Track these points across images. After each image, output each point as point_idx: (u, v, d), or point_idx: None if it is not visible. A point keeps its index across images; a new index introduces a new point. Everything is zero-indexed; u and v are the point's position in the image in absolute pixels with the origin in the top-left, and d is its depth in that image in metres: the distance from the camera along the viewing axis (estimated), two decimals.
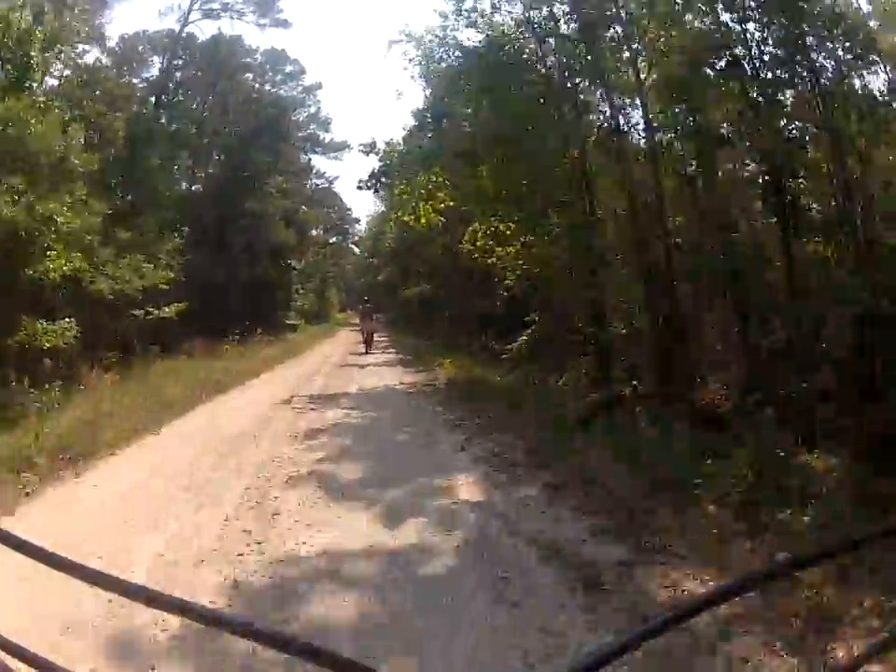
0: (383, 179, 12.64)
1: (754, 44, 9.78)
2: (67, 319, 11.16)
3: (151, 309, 18.48)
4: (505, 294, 14.42)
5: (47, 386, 8.61)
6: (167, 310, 18.68)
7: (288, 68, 35.28)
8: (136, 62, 25.22)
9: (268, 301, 29.29)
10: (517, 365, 13.29)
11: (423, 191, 12.55)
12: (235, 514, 4.72)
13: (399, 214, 13.72)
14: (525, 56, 12.75)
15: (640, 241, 11.20)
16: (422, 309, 29.80)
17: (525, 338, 13.26)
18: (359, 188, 15.47)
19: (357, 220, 63.30)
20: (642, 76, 11.50)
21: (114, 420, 7.20)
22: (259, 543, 4.16)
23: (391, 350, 21.39)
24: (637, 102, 11.75)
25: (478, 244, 13.03)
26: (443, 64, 13.01)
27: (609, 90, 11.90)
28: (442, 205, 12.85)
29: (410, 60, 12.53)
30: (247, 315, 28.70)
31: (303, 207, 31.96)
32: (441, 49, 12.49)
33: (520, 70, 12.61)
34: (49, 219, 10.49)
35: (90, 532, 4.22)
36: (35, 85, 12.77)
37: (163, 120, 27.14)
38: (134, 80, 24.31)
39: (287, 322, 31.32)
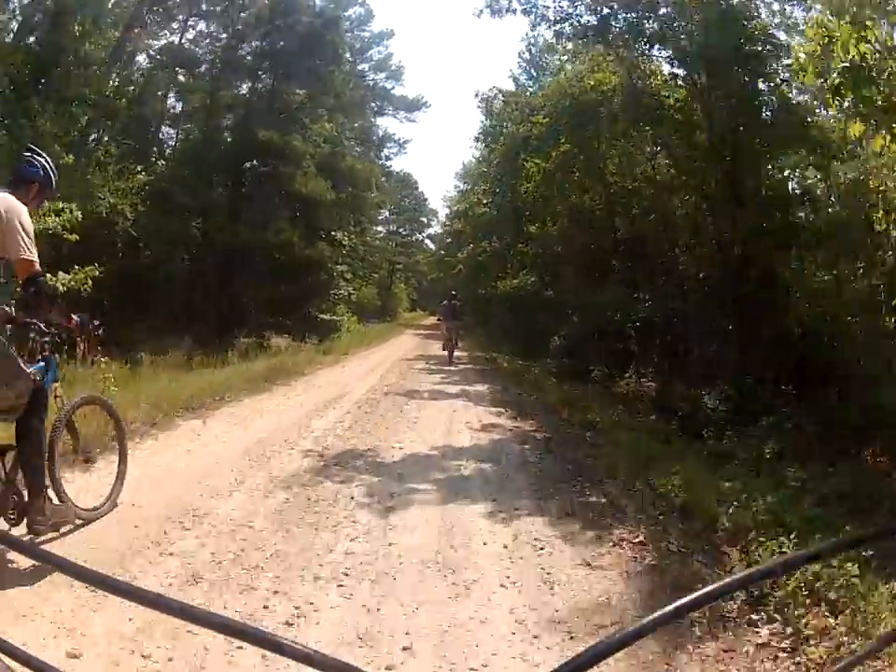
0: None
1: None
2: None
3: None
4: None
5: None
6: (63, 278, 9.25)
7: (353, 10, 27.35)
8: None
9: (297, 286, 19.73)
10: None
11: None
12: None
13: None
14: None
15: None
16: (518, 313, 19.60)
17: None
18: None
19: (435, 213, 53.72)
20: None
21: None
22: None
23: (478, 383, 11.00)
24: None
25: None
26: None
27: None
28: None
29: None
30: (260, 303, 19.47)
31: (354, 153, 21.93)
32: None
33: None
34: None
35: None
36: None
37: None
38: None
39: (323, 317, 21.59)
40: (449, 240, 34.60)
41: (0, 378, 2.76)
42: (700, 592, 0.51)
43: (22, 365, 2.86)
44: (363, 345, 19.47)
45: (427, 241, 54.81)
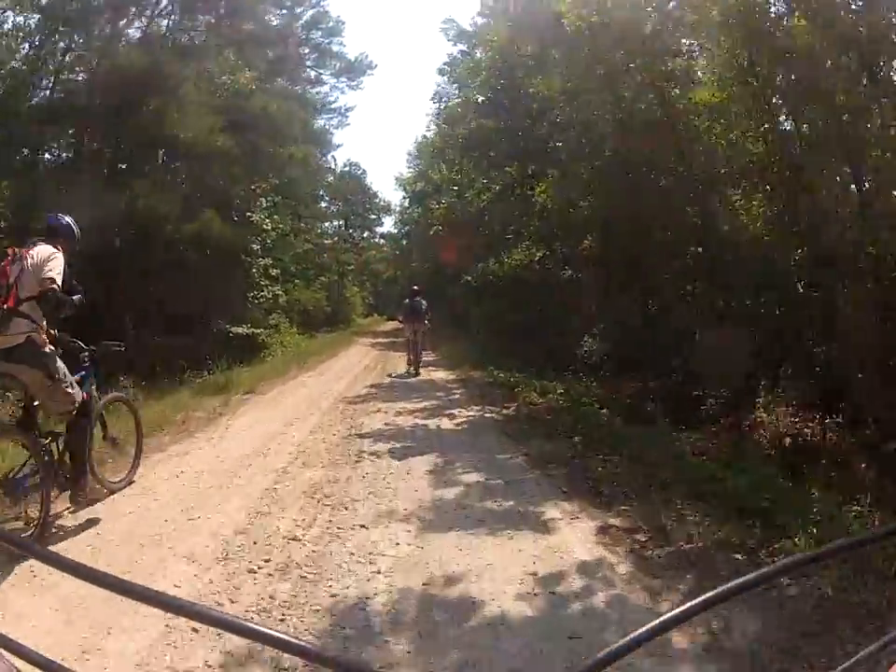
0: None
1: None
2: None
3: None
4: None
5: None
6: None
7: None
8: None
9: (181, 284, 12.95)
10: None
11: None
12: None
13: None
14: None
15: None
16: (521, 306, 13.40)
17: None
18: None
19: (387, 207, 46.75)
20: None
21: None
22: None
23: (545, 493, 4.27)
24: None
25: None
26: None
27: None
28: None
29: None
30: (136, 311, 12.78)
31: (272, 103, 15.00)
32: None
33: None
34: None
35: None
36: None
37: None
38: None
39: (236, 331, 14.89)
40: (406, 228, 28.20)
41: (55, 398, 3.59)
42: (702, 599, 0.50)
43: (71, 386, 3.67)
44: (293, 368, 12.90)
45: (381, 241, 48.34)
